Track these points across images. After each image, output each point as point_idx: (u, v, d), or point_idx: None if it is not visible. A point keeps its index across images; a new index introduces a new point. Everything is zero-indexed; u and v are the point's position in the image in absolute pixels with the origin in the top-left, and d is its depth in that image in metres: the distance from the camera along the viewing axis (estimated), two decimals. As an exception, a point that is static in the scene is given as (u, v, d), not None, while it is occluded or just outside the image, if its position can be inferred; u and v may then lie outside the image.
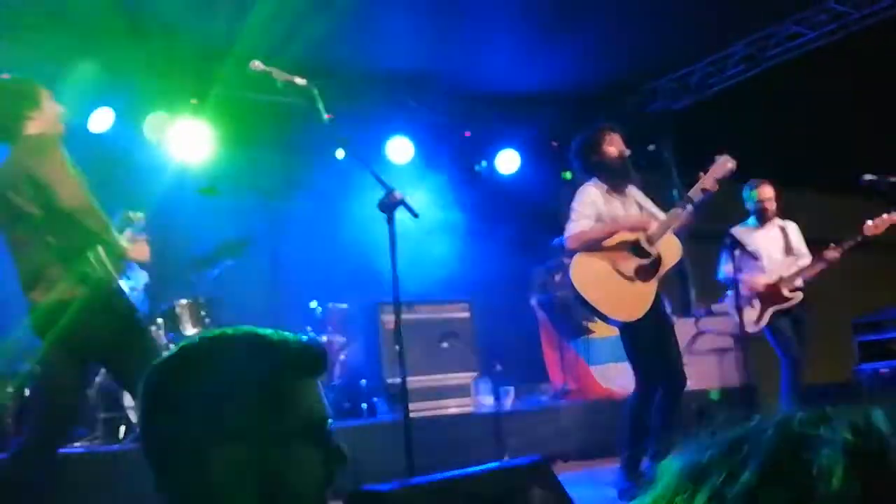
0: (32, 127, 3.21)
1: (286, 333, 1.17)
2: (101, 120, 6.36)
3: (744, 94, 7.62)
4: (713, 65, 7.75)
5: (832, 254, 5.50)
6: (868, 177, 5.22)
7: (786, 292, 5.52)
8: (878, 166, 5.19)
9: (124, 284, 3.24)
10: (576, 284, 4.04)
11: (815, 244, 9.56)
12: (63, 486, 3.90)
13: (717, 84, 7.81)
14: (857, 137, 7.58)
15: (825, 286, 9.25)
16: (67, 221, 3.04)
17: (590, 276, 4.04)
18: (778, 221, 5.78)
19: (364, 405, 5.98)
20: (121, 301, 3.15)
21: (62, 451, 4.12)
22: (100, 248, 3.09)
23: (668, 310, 6.75)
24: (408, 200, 3.19)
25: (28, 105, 3.23)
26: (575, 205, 4.18)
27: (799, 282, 5.51)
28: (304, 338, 1.17)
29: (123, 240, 3.23)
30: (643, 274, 4.06)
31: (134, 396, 3.80)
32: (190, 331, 5.43)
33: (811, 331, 5.64)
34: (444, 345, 5.90)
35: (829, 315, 8.38)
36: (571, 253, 4.16)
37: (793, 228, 5.79)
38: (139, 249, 3.32)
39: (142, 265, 3.55)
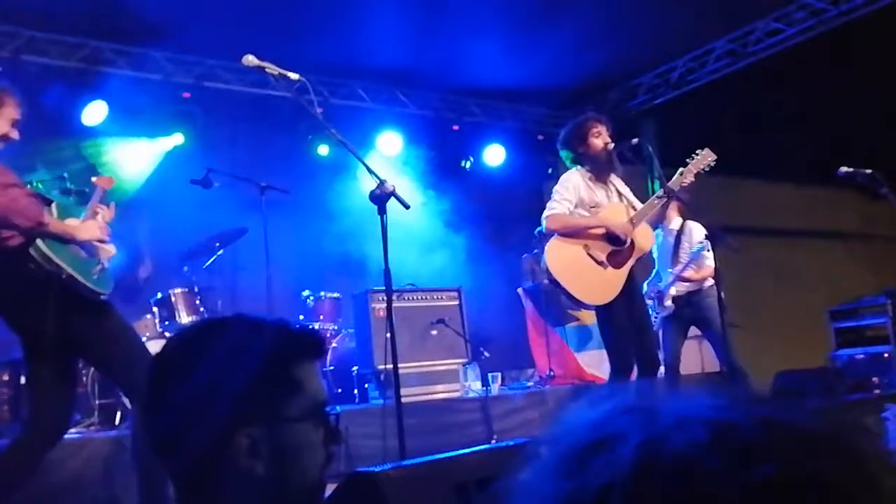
0: None
1: (286, 319, 1.23)
2: (95, 113, 6.41)
3: (724, 89, 7.71)
4: (694, 60, 7.83)
5: None
6: (845, 169, 5.30)
7: None
8: (856, 159, 5.31)
9: (79, 270, 3.01)
10: (550, 268, 4.16)
11: (794, 236, 9.77)
12: (60, 471, 3.94)
13: (699, 79, 7.89)
14: (834, 131, 7.70)
15: (803, 274, 9.46)
16: None
17: (564, 260, 4.16)
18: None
19: (355, 391, 6.06)
20: (76, 290, 2.97)
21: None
22: (40, 242, 2.92)
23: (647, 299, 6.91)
24: (398, 192, 3.20)
25: None
26: (558, 188, 4.29)
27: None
28: (304, 324, 1.25)
29: (66, 224, 3.06)
30: (616, 260, 4.17)
31: (117, 384, 3.73)
32: (185, 319, 5.49)
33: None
34: (434, 332, 5.98)
35: (807, 302, 8.57)
36: (549, 234, 4.27)
37: None
38: (86, 228, 3.11)
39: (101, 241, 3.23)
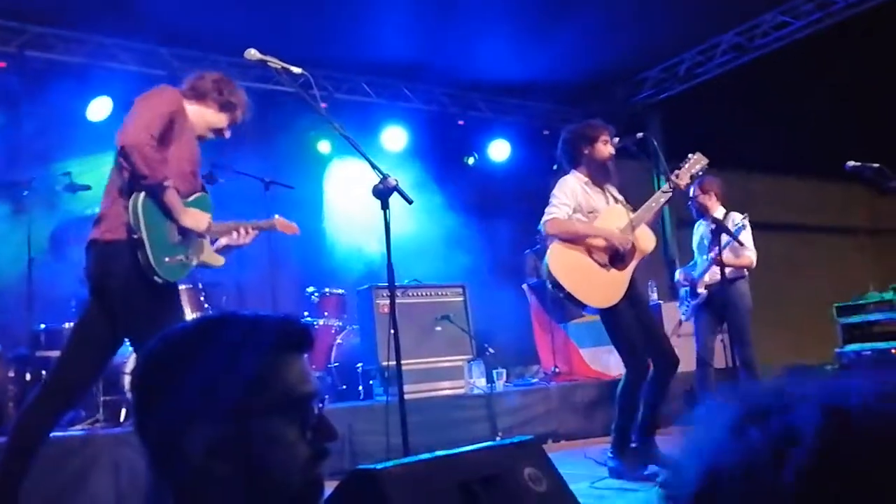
0: (190, 109, 3.23)
1: (267, 313, 1.19)
2: (100, 109, 6.41)
3: (731, 83, 7.68)
4: (701, 54, 7.79)
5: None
6: (852, 164, 5.26)
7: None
8: (863, 153, 5.28)
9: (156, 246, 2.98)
10: (553, 272, 4.16)
11: (801, 231, 9.74)
12: (64, 469, 3.96)
13: (705, 73, 7.86)
14: (841, 124, 7.66)
15: (810, 269, 9.42)
16: (122, 157, 2.91)
17: (566, 264, 4.16)
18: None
19: (360, 388, 6.05)
20: (136, 256, 2.93)
21: (63, 435, 4.19)
22: (141, 198, 2.93)
23: (654, 294, 6.93)
24: (402, 187, 3.15)
25: (212, 96, 3.29)
26: (555, 192, 4.30)
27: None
28: (286, 316, 1.17)
29: (180, 205, 3.04)
30: (617, 262, 4.18)
31: None
32: (189, 315, 5.47)
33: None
34: (438, 328, 5.97)
35: (815, 298, 8.53)
36: (548, 237, 4.28)
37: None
38: (193, 216, 3.09)
39: (200, 236, 3.23)
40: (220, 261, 3.35)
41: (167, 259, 3.02)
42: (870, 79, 7.48)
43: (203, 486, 1.08)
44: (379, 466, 1.86)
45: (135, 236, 2.93)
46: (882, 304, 7.35)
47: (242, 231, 3.37)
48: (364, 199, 3.37)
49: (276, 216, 3.58)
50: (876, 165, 5.13)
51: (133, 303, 2.98)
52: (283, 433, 1.09)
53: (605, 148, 4.31)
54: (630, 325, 4.15)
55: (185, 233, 3.12)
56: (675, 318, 6.94)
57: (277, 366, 1.12)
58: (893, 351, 7.08)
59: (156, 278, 2.98)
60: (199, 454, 1.06)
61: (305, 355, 1.17)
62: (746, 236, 5.65)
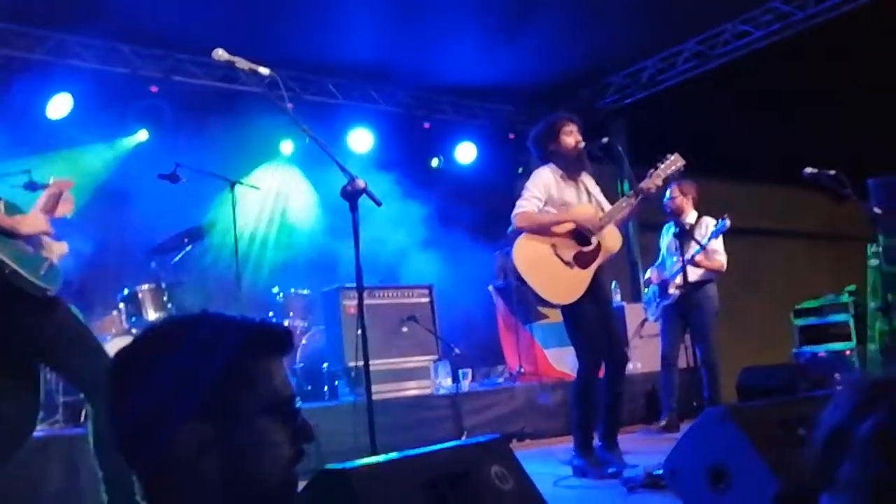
0: None
1: (250, 316, 1.21)
2: (60, 106, 6.29)
3: (693, 90, 7.81)
4: (664, 61, 7.92)
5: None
6: (809, 170, 5.40)
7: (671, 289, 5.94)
8: (820, 160, 5.40)
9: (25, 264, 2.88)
10: (517, 266, 4.17)
11: (760, 235, 9.92)
12: (24, 470, 3.88)
13: (668, 80, 7.97)
14: (799, 132, 7.82)
15: (768, 273, 9.60)
16: None
17: (531, 258, 4.17)
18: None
19: (326, 388, 6.04)
20: (21, 286, 2.84)
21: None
22: None
23: (618, 296, 7.00)
24: (370, 188, 3.14)
25: None
26: (528, 184, 4.29)
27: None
28: (268, 319, 1.20)
29: (8, 219, 2.92)
30: (582, 260, 4.19)
31: (74, 383, 3.55)
32: (152, 315, 5.43)
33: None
34: (405, 329, 5.97)
35: (773, 300, 8.70)
36: (517, 231, 4.26)
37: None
38: (29, 222, 3.00)
39: (50, 235, 3.10)
40: (65, 246, 3.22)
41: (42, 272, 2.96)
42: (828, 87, 7.65)
43: (182, 481, 1.08)
44: (347, 466, 1.88)
45: (6, 271, 2.83)
46: (837, 307, 7.54)
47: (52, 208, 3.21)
48: (331, 200, 3.38)
49: (51, 179, 3.32)
50: (832, 172, 5.27)
51: (37, 333, 2.91)
52: (271, 434, 1.12)
53: (570, 139, 4.30)
54: (591, 323, 4.16)
55: (29, 242, 3.03)
56: (638, 319, 7.04)
57: (266, 367, 1.14)
58: (847, 352, 7.26)
59: (48, 293, 2.92)
60: (188, 450, 1.07)
61: (284, 358, 1.19)
62: (718, 240, 5.78)
